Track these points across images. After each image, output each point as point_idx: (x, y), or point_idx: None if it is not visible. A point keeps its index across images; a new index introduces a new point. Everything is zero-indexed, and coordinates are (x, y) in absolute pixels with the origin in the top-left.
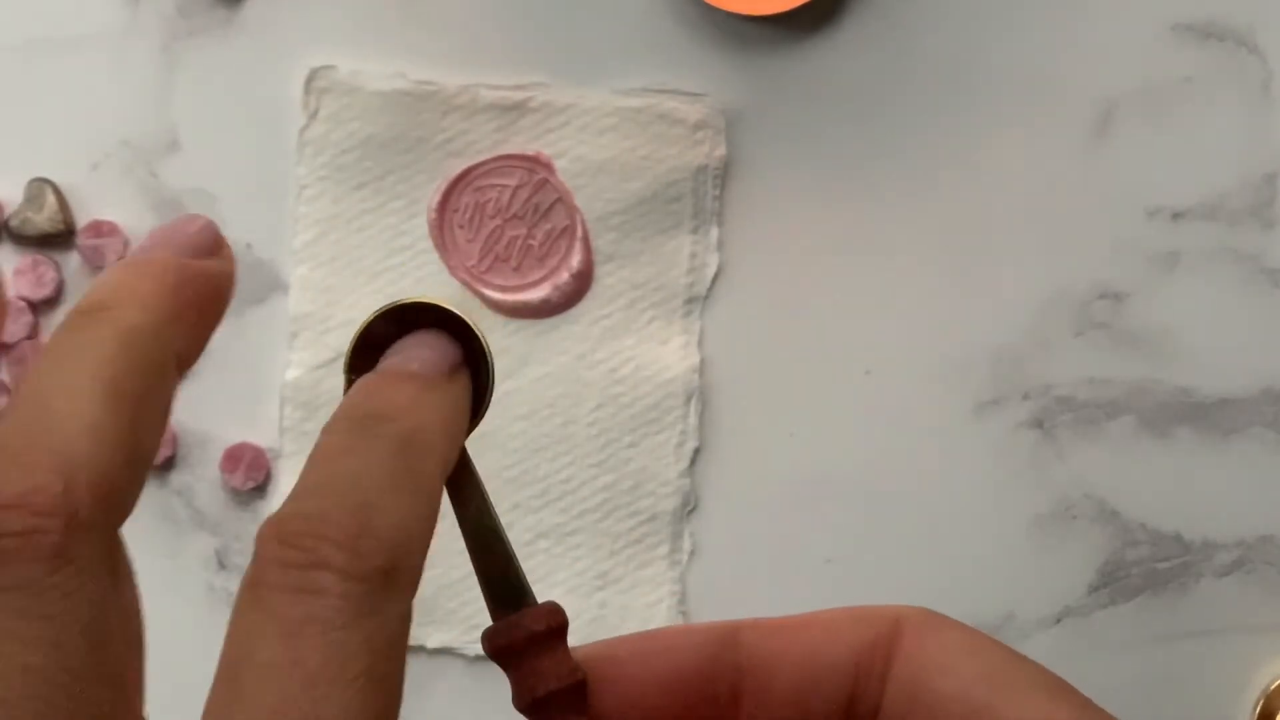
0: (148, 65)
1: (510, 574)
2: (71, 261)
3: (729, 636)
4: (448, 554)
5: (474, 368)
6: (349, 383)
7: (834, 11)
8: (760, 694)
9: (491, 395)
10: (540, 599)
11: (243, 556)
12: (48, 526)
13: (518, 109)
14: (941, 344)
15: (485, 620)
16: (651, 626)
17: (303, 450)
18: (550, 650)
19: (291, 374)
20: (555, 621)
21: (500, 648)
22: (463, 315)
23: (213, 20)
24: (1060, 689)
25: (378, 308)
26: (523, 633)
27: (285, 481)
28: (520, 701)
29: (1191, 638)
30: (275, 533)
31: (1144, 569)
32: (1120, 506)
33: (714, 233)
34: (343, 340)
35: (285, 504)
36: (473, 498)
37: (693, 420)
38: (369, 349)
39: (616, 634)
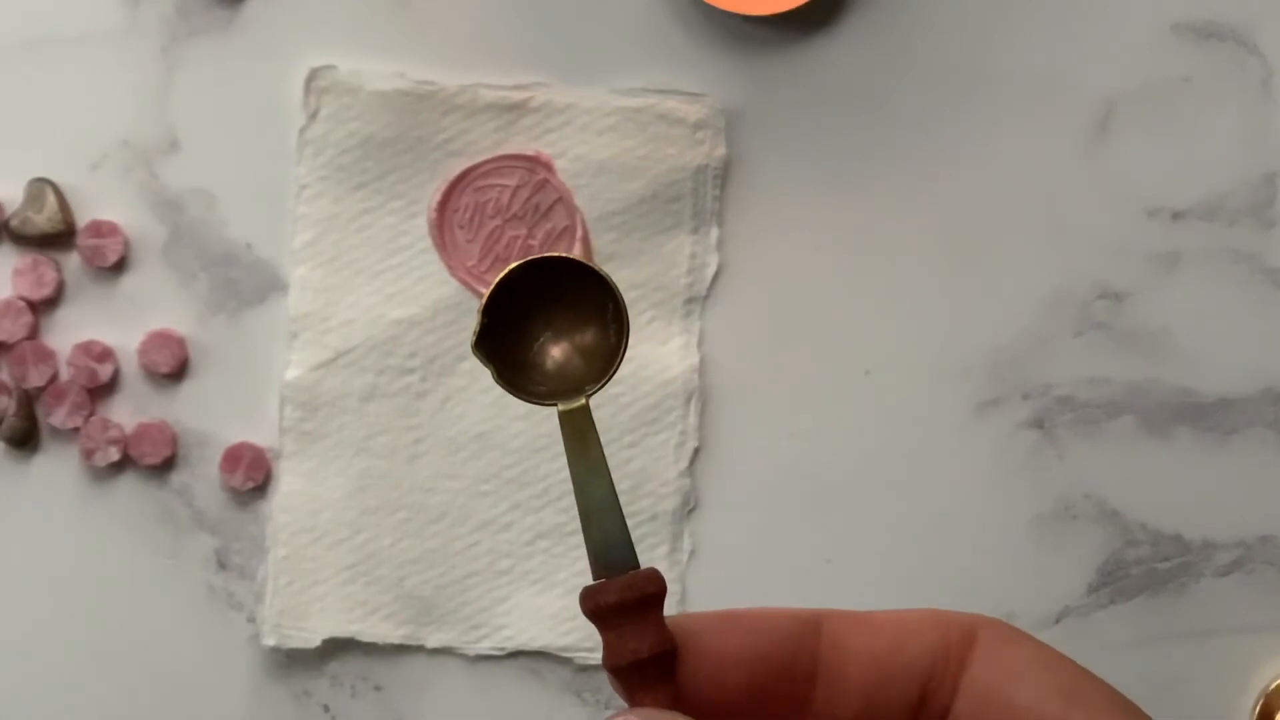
0: (148, 65)
1: (622, 538)
2: (72, 261)
3: (812, 624)
4: (447, 555)
5: (609, 318)
6: (481, 324)
7: (834, 11)
8: (834, 683)
9: (626, 348)
10: (539, 598)
11: (242, 556)
12: None
13: (518, 109)
14: (941, 344)
15: (485, 620)
16: None
17: (303, 450)
18: (648, 616)
19: (291, 374)
20: (658, 588)
21: (602, 607)
22: (597, 269)
23: (213, 20)
24: (1130, 710)
25: (519, 260)
26: (632, 594)
27: (285, 481)
28: (614, 661)
29: (1191, 638)
30: None
31: (1144, 569)
32: (1120, 506)
33: (714, 233)
34: (342, 340)
35: None
36: (592, 461)
37: (693, 420)
38: (505, 294)
39: None
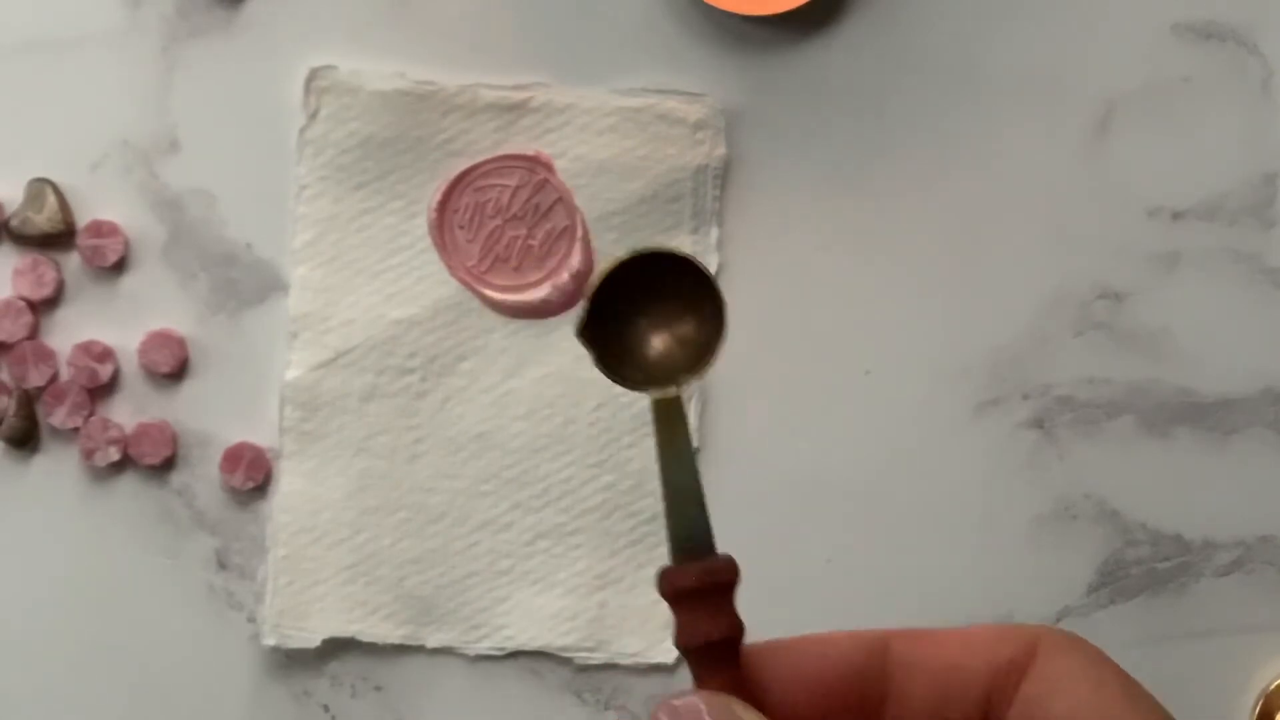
0: (148, 65)
1: (703, 525)
2: (72, 261)
3: (879, 644)
4: (447, 554)
5: (707, 313)
6: (587, 312)
7: (834, 11)
8: (903, 699)
9: (724, 338)
10: (539, 598)
11: (242, 556)
12: None
13: (518, 109)
14: (941, 344)
15: (485, 620)
16: (651, 626)
17: (303, 450)
18: (721, 602)
19: (291, 374)
20: (733, 576)
21: (680, 590)
22: (698, 263)
23: (213, 20)
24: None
25: (624, 253)
26: (709, 580)
27: (285, 481)
28: (686, 642)
29: (1191, 638)
30: None
31: (1144, 569)
32: (1120, 506)
33: (714, 233)
34: (342, 340)
35: None
36: (680, 449)
37: (693, 420)
38: (609, 284)
39: (617, 633)
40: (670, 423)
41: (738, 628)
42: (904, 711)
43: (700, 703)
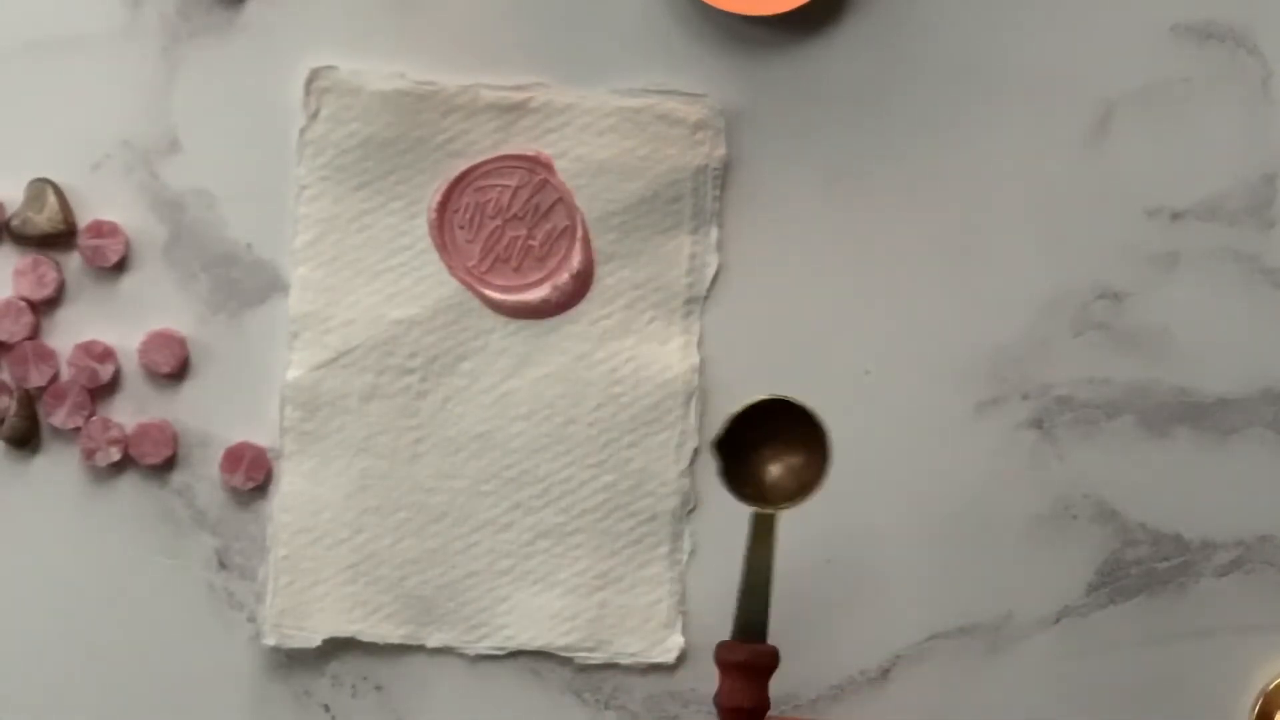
0: (149, 66)
1: (763, 618)
2: (72, 261)
3: None
4: (448, 554)
5: (817, 444)
6: (726, 430)
7: (834, 12)
8: None
9: (825, 480)
10: (539, 598)
11: (243, 556)
12: None
13: (518, 109)
14: (941, 344)
15: (485, 620)
16: (651, 626)
17: (303, 450)
18: (758, 679)
19: (292, 374)
20: (772, 663)
21: (729, 662)
22: (806, 407)
23: (213, 21)
24: None
25: (747, 402)
26: (754, 660)
27: (285, 481)
28: (723, 703)
29: (1191, 637)
30: None
31: (1143, 569)
32: (1119, 506)
33: (714, 233)
34: (343, 340)
35: None
36: (766, 557)
37: (693, 420)
38: (738, 429)
39: (616, 633)
40: (764, 535)
41: (765, 703)
42: None
43: None
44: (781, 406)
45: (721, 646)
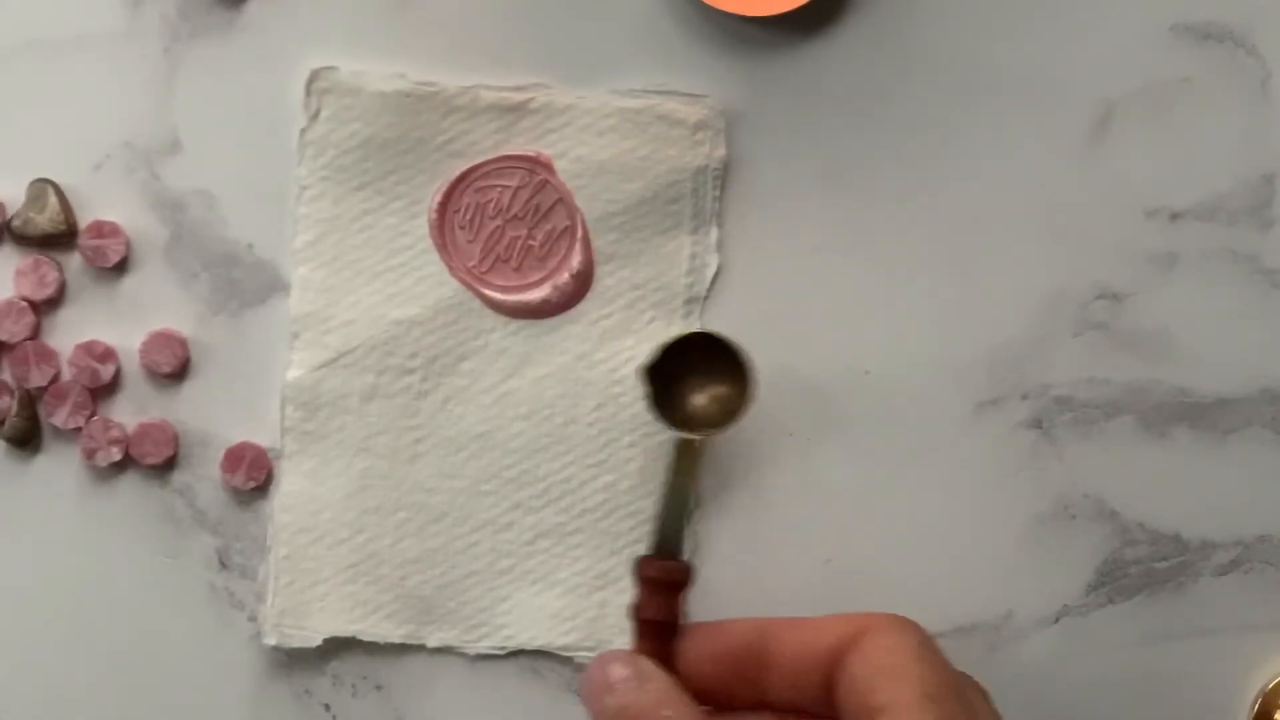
0: (149, 66)
1: (678, 537)
2: (73, 262)
3: (764, 628)
4: (448, 554)
5: (742, 376)
6: (654, 359)
7: (834, 11)
8: (774, 674)
9: (753, 399)
10: (540, 598)
11: (243, 556)
12: None
13: (518, 110)
14: (941, 344)
15: (485, 620)
16: None
17: (304, 450)
18: (671, 594)
19: (292, 374)
20: (684, 578)
21: (645, 576)
22: (727, 339)
23: (214, 21)
24: (940, 697)
25: (669, 337)
26: (665, 574)
27: (286, 481)
28: (637, 614)
29: (1190, 637)
30: None
31: (1142, 568)
32: (1119, 506)
33: (714, 233)
34: (343, 340)
35: None
36: (687, 482)
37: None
38: (667, 360)
39: (617, 633)
40: (686, 460)
41: (675, 616)
42: (775, 682)
43: (621, 657)
44: (712, 341)
45: (638, 561)
